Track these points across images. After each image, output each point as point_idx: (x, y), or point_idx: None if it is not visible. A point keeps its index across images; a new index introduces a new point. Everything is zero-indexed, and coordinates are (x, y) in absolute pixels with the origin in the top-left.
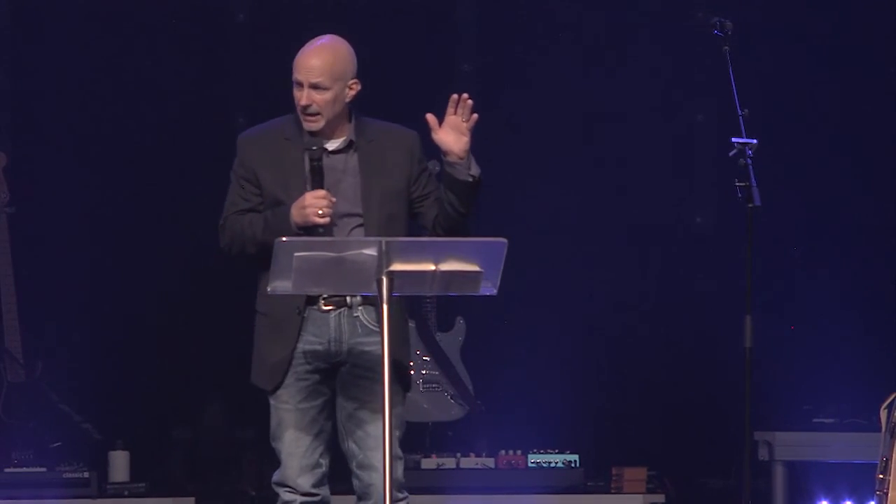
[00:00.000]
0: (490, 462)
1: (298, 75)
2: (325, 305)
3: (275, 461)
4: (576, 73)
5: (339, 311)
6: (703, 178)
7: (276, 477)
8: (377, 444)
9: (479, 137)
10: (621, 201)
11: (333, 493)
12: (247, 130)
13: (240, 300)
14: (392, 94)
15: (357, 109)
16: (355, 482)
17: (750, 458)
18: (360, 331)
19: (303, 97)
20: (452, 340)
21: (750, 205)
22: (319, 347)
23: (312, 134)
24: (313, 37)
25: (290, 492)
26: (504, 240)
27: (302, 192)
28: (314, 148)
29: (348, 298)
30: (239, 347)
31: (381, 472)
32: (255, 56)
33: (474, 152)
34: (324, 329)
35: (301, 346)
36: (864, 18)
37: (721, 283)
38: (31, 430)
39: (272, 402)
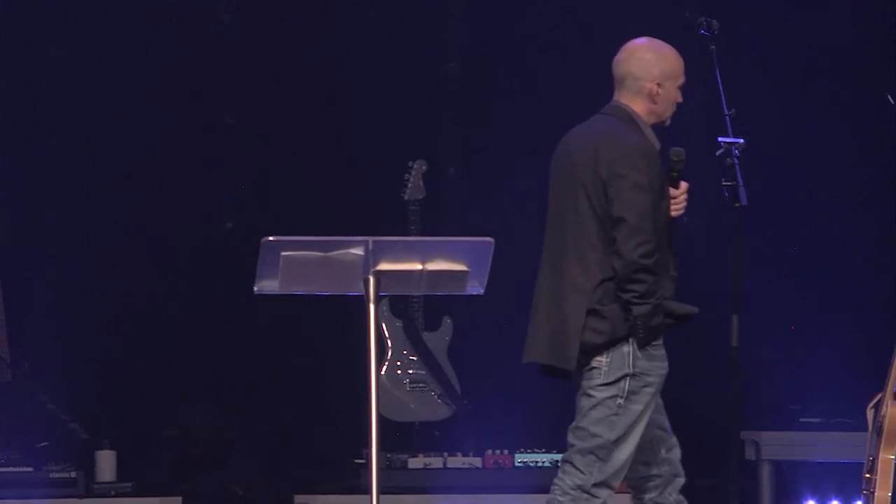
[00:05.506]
0: (477, 462)
1: (684, 77)
2: None
3: (262, 462)
4: (563, 71)
5: None
6: (689, 178)
7: (597, 478)
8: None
9: (469, 136)
10: None
11: (329, 492)
12: (634, 139)
13: (230, 301)
14: (381, 93)
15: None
16: (665, 468)
17: (737, 457)
18: None
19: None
20: (439, 340)
21: (737, 204)
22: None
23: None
24: (301, 38)
25: (609, 494)
26: (490, 239)
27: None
28: (676, 160)
29: None
30: (229, 347)
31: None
32: (243, 56)
33: (463, 151)
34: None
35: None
36: (851, 16)
37: (708, 283)
38: (17, 429)
39: (633, 405)
